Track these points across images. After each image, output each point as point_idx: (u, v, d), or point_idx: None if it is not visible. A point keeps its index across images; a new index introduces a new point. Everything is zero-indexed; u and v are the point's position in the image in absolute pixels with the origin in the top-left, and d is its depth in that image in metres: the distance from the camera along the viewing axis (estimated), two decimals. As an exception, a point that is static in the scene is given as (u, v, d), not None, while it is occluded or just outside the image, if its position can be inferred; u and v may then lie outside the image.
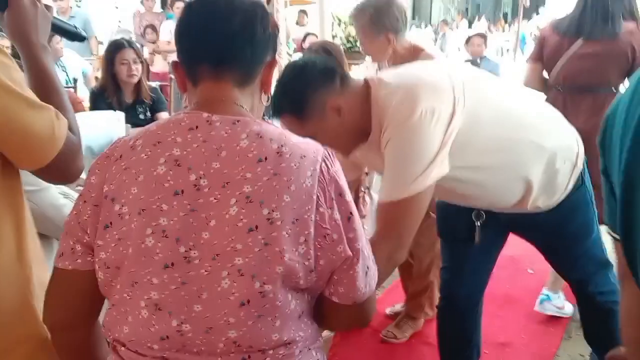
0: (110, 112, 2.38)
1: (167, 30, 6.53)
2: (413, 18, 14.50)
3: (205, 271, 0.82)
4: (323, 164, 0.87)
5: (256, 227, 0.81)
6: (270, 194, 0.82)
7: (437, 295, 2.55)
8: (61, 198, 1.66)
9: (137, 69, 3.03)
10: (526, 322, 2.71)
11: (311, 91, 1.32)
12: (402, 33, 2.15)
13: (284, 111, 1.35)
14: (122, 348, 0.89)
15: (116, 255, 0.85)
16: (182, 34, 0.93)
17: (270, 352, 0.86)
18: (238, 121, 0.86)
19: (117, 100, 3.00)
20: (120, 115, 2.26)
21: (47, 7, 1.07)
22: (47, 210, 1.53)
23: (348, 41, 6.61)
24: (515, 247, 2.13)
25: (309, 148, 0.88)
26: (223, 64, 0.90)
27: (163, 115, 3.16)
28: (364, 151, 1.45)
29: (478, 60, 5.40)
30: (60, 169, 0.96)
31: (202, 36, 0.89)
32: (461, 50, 6.87)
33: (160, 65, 6.57)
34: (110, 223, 0.85)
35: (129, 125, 2.47)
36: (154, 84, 3.69)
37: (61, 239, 0.91)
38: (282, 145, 0.85)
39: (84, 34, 1.27)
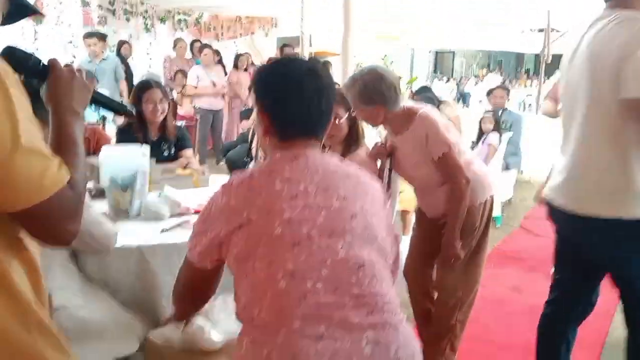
0: (136, 146, 2.43)
1: (194, 75, 6.75)
2: (435, 72, 14.70)
3: (325, 245, 1.08)
4: (381, 189, 1.27)
5: (356, 214, 1.13)
6: (359, 196, 1.16)
7: (459, 338, 2.50)
8: (100, 215, 1.73)
9: (163, 108, 3.12)
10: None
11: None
12: (391, 104, 2.21)
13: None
14: (252, 322, 1.09)
15: (246, 249, 1.09)
16: (278, 102, 1.18)
17: (386, 308, 1.09)
18: (323, 153, 1.22)
19: (142, 136, 3.07)
20: (145, 149, 2.30)
21: (90, 80, 1.14)
22: (90, 227, 1.67)
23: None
24: (538, 296, 2.08)
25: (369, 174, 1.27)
26: (312, 135, 1.21)
27: (187, 153, 3.22)
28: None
29: (499, 113, 5.43)
30: (44, 223, 0.91)
31: (298, 112, 1.18)
32: (483, 102, 6.90)
33: (187, 108, 6.76)
34: (241, 226, 1.10)
35: (153, 159, 2.51)
36: (180, 123, 3.78)
37: (194, 239, 1.19)
38: (358, 171, 1.23)
39: (132, 110, 1.36)
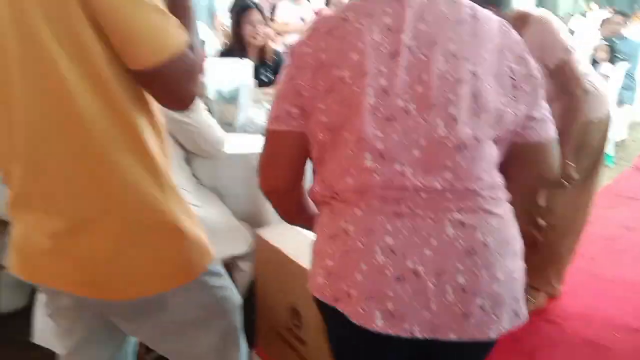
0: (238, 59, 2.45)
1: (284, 11, 6.68)
2: (537, 7, 13.64)
3: (424, 120, 0.92)
4: (505, 27, 1.00)
5: (464, 79, 0.92)
6: (472, 52, 0.94)
7: (566, 267, 2.37)
8: (211, 120, 1.79)
9: (262, 31, 3.09)
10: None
11: None
12: (503, 4, 1.94)
13: None
14: (333, 200, 0.99)
15: (338, 118, 0.94)
16: None
17: (483, 192, 0.94)
18: None
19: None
20: (247, 63, 2.32)
21: None
22: (203, 130, 1.80)
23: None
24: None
25: (492, 14, 1.01)
26: None
27: (286, 77, 3.21)
28: None
29: (616, 40, 4.93)
30: (169, 81, 0.93)
31: None
32: (594, 34, 6.30)
33: (278, 45, 6.73)
34: (332, 88, 0.93)
35: (255, 81, 2.53)
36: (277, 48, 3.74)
37: (274, 104, 1.00)
38: (474, 11, 0.98)
39: None
